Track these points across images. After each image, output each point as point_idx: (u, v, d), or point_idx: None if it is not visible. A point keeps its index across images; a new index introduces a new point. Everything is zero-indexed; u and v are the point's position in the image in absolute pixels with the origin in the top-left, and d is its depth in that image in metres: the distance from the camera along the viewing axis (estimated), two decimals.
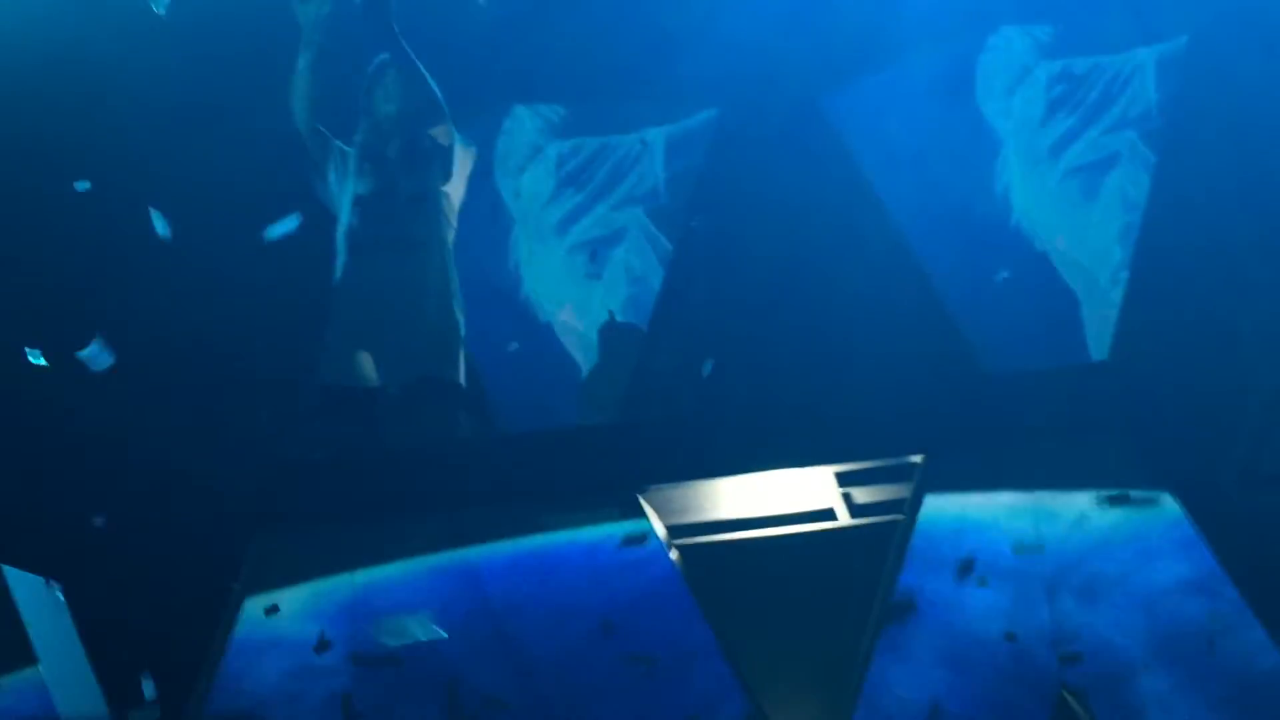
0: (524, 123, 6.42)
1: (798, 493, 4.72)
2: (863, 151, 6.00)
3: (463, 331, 5.16)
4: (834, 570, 4.71)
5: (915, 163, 5.97)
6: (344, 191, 5.25)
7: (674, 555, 4.58)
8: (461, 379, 5.13)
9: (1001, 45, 6.15)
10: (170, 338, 5.70)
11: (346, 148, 5.28)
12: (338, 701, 4.32)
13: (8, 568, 4.64)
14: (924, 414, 4.60)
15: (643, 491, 4.56)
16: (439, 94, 5.17)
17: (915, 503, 4.50)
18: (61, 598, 4.85)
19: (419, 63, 5.15)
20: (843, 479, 4.67)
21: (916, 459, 4.55)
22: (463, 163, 5.32)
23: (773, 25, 5.97)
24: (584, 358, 6.09)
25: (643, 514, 4.55)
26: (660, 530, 4.58)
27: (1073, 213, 5.99)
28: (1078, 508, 4.43)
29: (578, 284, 6.21)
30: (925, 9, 5.99)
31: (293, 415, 5.19)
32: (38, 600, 4.72)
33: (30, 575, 4.75)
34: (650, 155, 6.24)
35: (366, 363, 5.06)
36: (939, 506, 4.49)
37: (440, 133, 5.21)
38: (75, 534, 5.28)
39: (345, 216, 5.21)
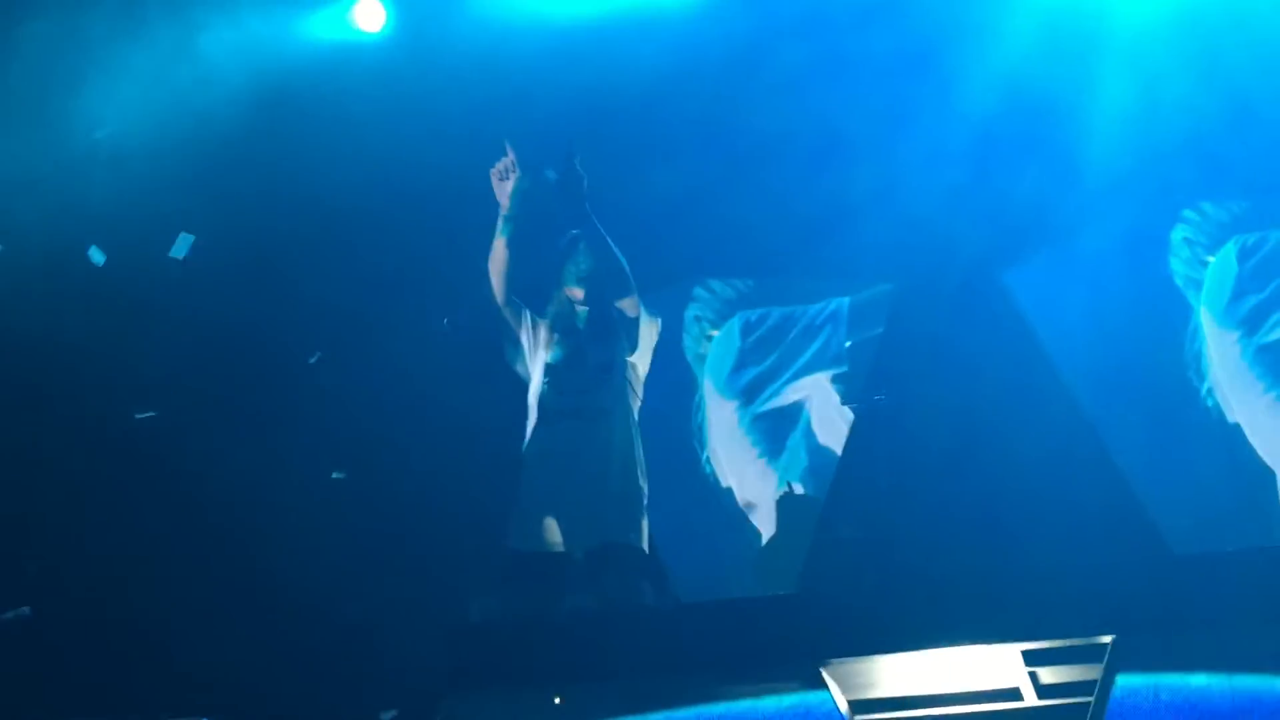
0: (713, 292, 6.57)
1: (983, 671, 4.63)
2: (1043, 324, 5.98)
3: (646, 500, 5.25)
4: None
5: (1097, 336, 5.93)
6: (535, 361, 5.41)
7: None
8: (645, 546, 5.20)
9: (1196, 218, 6.11)
10: (364, 498, 5.91)
11: (539, 318, 5.45)
12: None
13: None
14: (1114, 593, 4.50)
15: (824, 664, 4.54)
16: (627, 268, 5.33)
17: (1106, 684, 4.39)
18: None
19: (608, 238, 5.33)
20: (1030, 658, 4.57)
21: (1106, 639, 4.44)
22: (648, 334, 5.44)
23: (952, 198, 6.05)
24: (764, 526, 6.11)
25: (824, 686, 4.52)
26: (842, 704, 4.54)
27: (1268, 385, 5.86)
28: (1277, 693, 4.27)
29: (759, 452, 6.27)
30: (1104, 184, 6.01)
31: (482, 581, 5.31)
32: None
33: None
34: (834, 324, 6.31)
35: (552, 529, 5.16)
36: (1131, 689, 4.37)
37: (627, 305, 5.35)
38: (269, 690, 5.46)
39: (535, 385, 5.37)
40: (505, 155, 5.35)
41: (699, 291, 6.61)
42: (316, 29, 6.53)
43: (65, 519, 5.91)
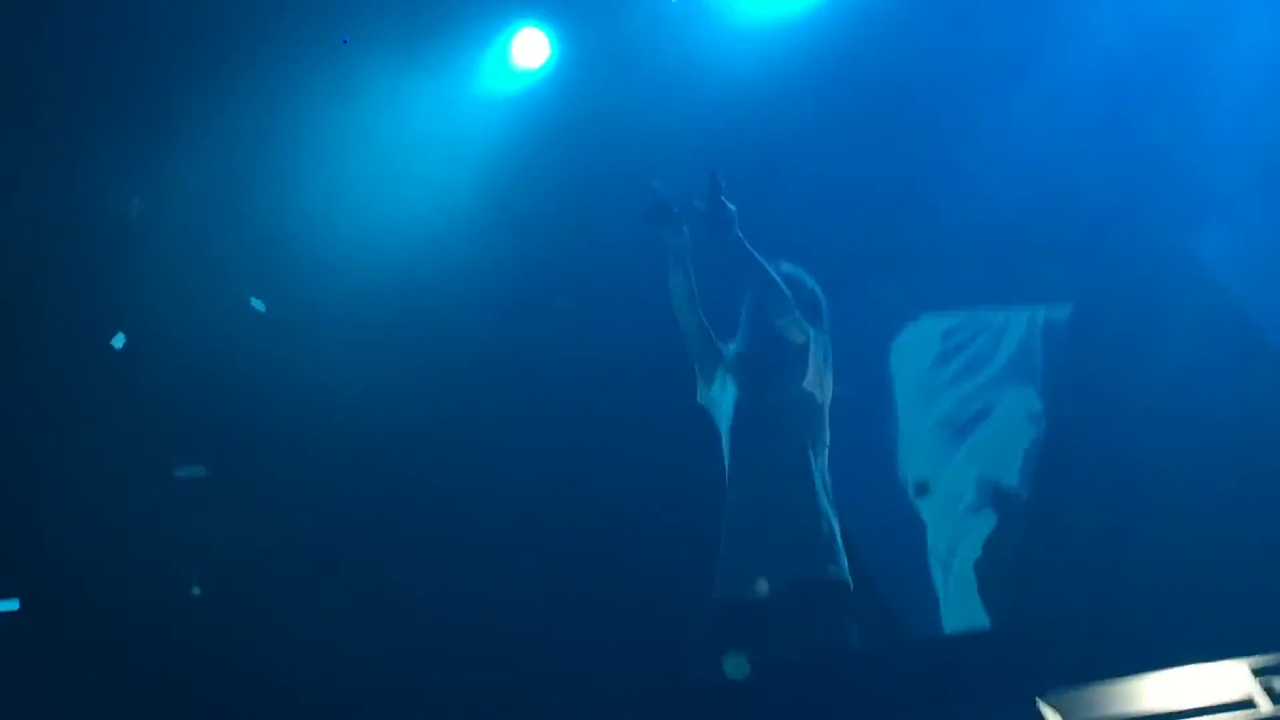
0: (896, 295, 6.43)
1: (1211, 688, 4.47)
2: (1240, 287, 5.71)
3: (839, 533, 5.16)
4: None
5: None
6: (724, 400, 5.35)
7: None
8: (848, 582, 5.13)
9: None
10: (563, 559, 5.97)
11: (724, 356, 5.36)
12: None
13: None
14: None
15: (1041, 695, 4.43)
16: (789, 294, 5.19)
17: None
18: None
19: (769, 267, 5.19)
20: (1261, 672, 4.39)
21: None
22: (819, 356, 5.29)
23: (1128, 179, 5.83)
24: (959, 548, 5.97)
25: (1042, 719, 4.42)
26: None
27: None
28: None
29: (946, 461, 6.13)
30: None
31: (690, 633, 5.32)
32: None
33: None
34: (1022, 332, 6.13)
35: (753, 574, 5.13)
36: None
37: (794, 333, 5.23)
38: None
39: (728, 427, 5.32)
40: (652, 200, 5.21)
41: (876, 294, 6.48)
42: (482, 80, 6.59)
43: None
